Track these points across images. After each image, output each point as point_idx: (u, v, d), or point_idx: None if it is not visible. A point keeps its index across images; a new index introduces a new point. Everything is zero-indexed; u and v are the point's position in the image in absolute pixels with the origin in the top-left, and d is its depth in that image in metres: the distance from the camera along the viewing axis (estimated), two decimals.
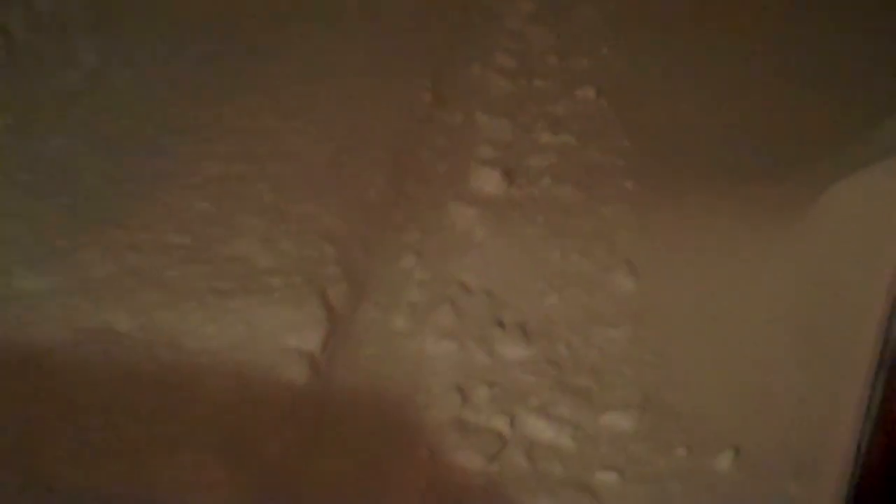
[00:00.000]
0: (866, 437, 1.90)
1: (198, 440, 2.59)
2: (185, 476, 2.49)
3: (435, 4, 5.32)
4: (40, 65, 4.46)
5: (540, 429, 2.80)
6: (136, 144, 3.91)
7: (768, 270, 3.15)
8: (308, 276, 3.19)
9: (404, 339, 3.10)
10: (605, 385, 2.95)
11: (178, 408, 2.70)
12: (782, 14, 5.08)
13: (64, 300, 3.04)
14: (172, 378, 2.80)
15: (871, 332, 1.96)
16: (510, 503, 2.58)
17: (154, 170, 3.74)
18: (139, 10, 4.97)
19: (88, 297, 3.05)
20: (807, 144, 3.72)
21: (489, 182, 3.71)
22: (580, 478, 2.67)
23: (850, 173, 2.79)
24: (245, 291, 3.10)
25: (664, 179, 3.75)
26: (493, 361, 3.00)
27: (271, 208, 3.52)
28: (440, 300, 3.20)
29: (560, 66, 4.76)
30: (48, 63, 4.49)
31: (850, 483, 1.95)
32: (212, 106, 4.16)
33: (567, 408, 2.87)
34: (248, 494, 2.50)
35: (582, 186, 3.73)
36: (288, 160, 3.83)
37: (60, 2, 4.86)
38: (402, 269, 3.40)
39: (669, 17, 5.20)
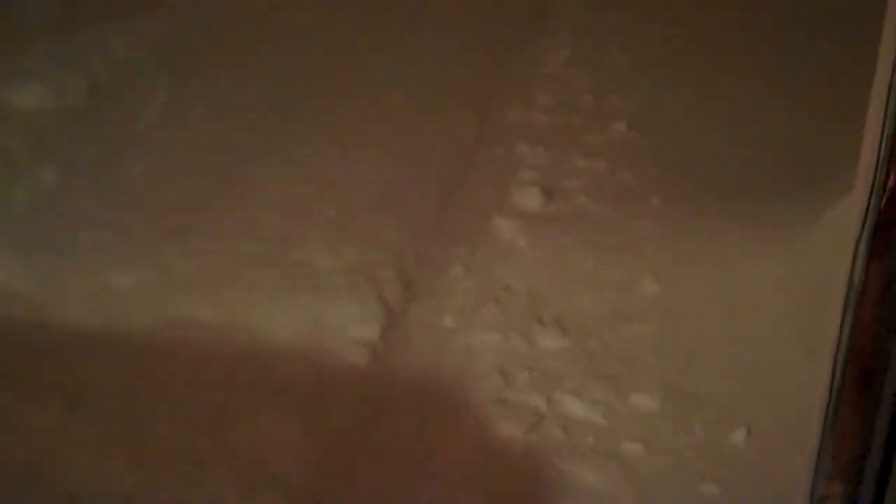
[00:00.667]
0: None
1: (273, 407, 2.96)
2: (264, 435, 2.86)
3: (481, 53, 5.77)
4: (121, 104, 4.92)
5: (574, 407, 3.14)
6: (208, 170, 4.34)
7: (777, 277, 3.52)
8: (367, 277, 3.58)
9: (452, 334, 3.46)
10: (632, 372, 3.29)
11: (256, 382, 3.08)
12: (794, 50, 5.50)
13: (150, 294, 3.46)
14: (249, 358, 3.19)
15: None
16: (547, 465, 2.93)
17: (225, 191, 4.16)
18: (209, 52, 5.45)
19: (171, 292, 3.47)
20: (815, 168, 4.09)
21: (529, 199, 4.11)
22: (609, 447, 3.01)
23: (847, 193, 3.17)
24: (311, 289, 3.50)
25: (687, 199, 4.13)
26: (532, 350, 3.36)
27: (333, 222, 3.93)
28: (486, 299, 3.57)
29: (594, 104, 5.16)
30: (127, 102, 4.95)
31: None
32: (278, 137, 4.61)
33: (598, 390, 3.21)
34: (316, 454, 2.87)
35: (613, 204, 4.11)
36: (347, 184, 4.24)
37: (137, 48, 5.35)
38: (451, 276, 3.77)
39: (693, 61, 5.62)
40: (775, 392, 3.18)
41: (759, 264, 3.64)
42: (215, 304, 3.41)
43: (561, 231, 3.93)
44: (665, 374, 3.28)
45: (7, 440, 2.79)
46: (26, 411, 2.89)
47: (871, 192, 1.94)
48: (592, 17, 6.52)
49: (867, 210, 1.96)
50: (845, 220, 3.13)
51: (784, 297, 3.44)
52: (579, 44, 6.02)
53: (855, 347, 2.08)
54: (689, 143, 4.67)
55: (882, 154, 1.90)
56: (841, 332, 2.10)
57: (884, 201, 1.95)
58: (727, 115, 4.94)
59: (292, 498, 2.72)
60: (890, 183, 1.94)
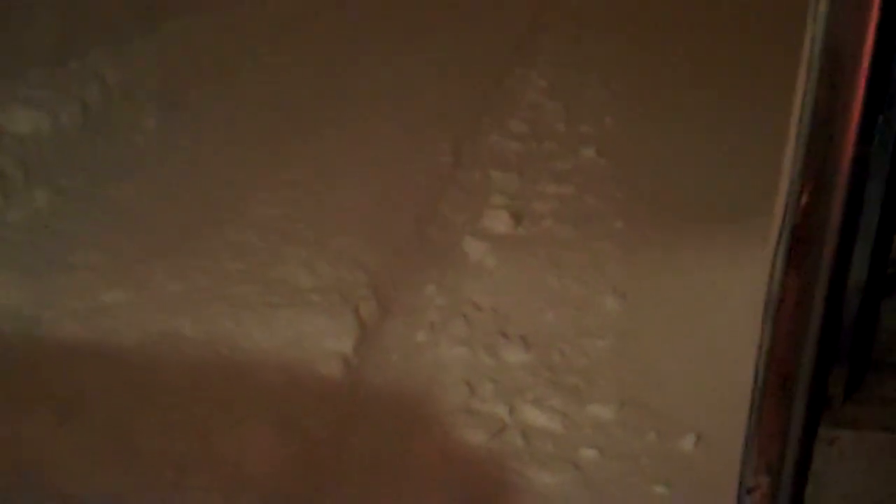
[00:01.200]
0: None
1: (253, 416, 3.17)
2: (244, 442, 3.07)
3: (462, 82, 6.03)
4: (112, 129, 5.15)
5: (535, 416, 3.34)
6: (194, 193, 4.57)
7: (731, 292, 3.73)
8: (343, 294, 3.80)
9: (424, 349, 3.67)
10: (591, 384, 3.50)
11: (237, 392, 3.29)
12: (764, 80, 5.74)
13: (138, 310, 3.67)
14: (232, 370, 3.40)
15: None
16: (509, 470, 3.14)
17: (212, 215, 4.38)
18: (199, 80, 5.69)
19: (159, 308, 3.67)
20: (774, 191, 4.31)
21: (499, 222, 4.33)
22: (567, 454, 3.21)
23: None
24: (291, 305, 3.71)
25: (649, 222, 4.36)
26: (497, 364, 3.57)
27: (312, 243, 4.15)
28: (455, 316, 3.79)
29: (567, 131, 5.40)
30: (118, 128, 5.17)
31: None
32: (262, 162, 4.85)
33: (558, 400, 3.42)
34: (292, 459, 3.07)
35: (578, 226, 4.34)
36: (327, 208, 4.47)
37: (129, 74, 5.57)
38: (425, 295, 3.98)
39: (665, 91, 5.87)
40: (726, 400, 3.39)
41: (714, 280, 3.86)
42: (200, 320, 3.62)
43: (528, 252, 4.14)
44: (622, 386, 3.49)
45: (1, 447, 2.99)
46: (20, 420, 3.08)
47: (786, 209, 2.17)
48: (571, 49, 6.80)
49: (783, 226, 2.18)
50: None
51: (737, 311, 3.65)
52: (557, 74, 6.28)
53: (774, 354, 2.31)
54: (655, 168, 4.91)
55: (796, 175, 2.12)
56: (762, 339, 2.32)
57: (798, 218, 2.17)
58: (694, 142, 5.18)
59: (269, 500, 2.93)
60: (803, 201, 2.16)
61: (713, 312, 3.73)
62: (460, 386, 3.44)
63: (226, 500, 2.90)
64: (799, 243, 2.17)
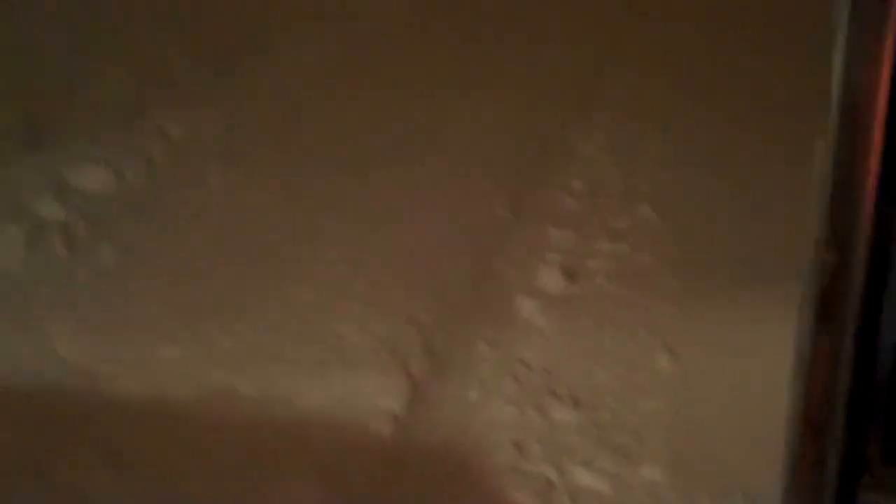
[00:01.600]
0: None
1: (302, 472, 3.21)
2: (290, 495, 3.11)
3: (520, 135, 6.08)
4: (176, 185, 5.26)
5: (583, 477, 3.34)
6: (252, 248, 4.63)
7: (787, 354, 3.69)
8: (395, 351, 3.83)
9: (474, 407, 3.69)
10: (641, 444, 3.49)
11: (286, 448, 3.34)
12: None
13: (193, 366, 3.73)
14: (282, 427, 3.45)
15: None
16: None
17: (271, 269, 4.45)
18: (261, 140, 5.80)
19: (213, 364, 3.74)
20: None
21: (551, 280, 4.34)
22: None
23: None
24: (342, 362, 3.76)
25: (705, 281, 4.34)
26: (546, 423, 3.57)
27: (366, 298, 4.19)
28: (505, 374, 3.80)
29: (624, 187, 5.40)
30: (182, 183, 5.29)
31: None
32: (318, 216, 4.91)
33: (607, 462, 3.41)
34: None
35: (631, 285, 4.33)
36: (380, 262, 4.51)
37: (194, 134, 5.71)
38: (476, 353, 4.00)
39: (729, 147, 5.85)
40: (778, 461, 3.35)
41: (770, 340, 3.82)
42: (252, 377, 3.67)
43: (580, 310, 4.15)
44: (673, 447, 3.47)
45: (55, 497, 3.06)
46: (75, 472, 3.16)
47: (812, 268, 2.17)
48: (632, 103, 6.80)
49: (810, 284, 2.18)
50: None
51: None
52: (616, 129, 6.29)
53: (807, 415, 2.29)
54: (713, 226, 4.88)
55: (822, 231, 2.13)
56: (793, 400, 2.32)
57: (825, 277, 2.17)
58: (757, 200, 5.14)
59: None
60: (830, 260, 2.16)
61: (767, 372, 3.69)
62: (508, 445, 3.45)
63: None
64: (827, 302, 2.16)
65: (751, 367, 3.75)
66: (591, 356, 3.88)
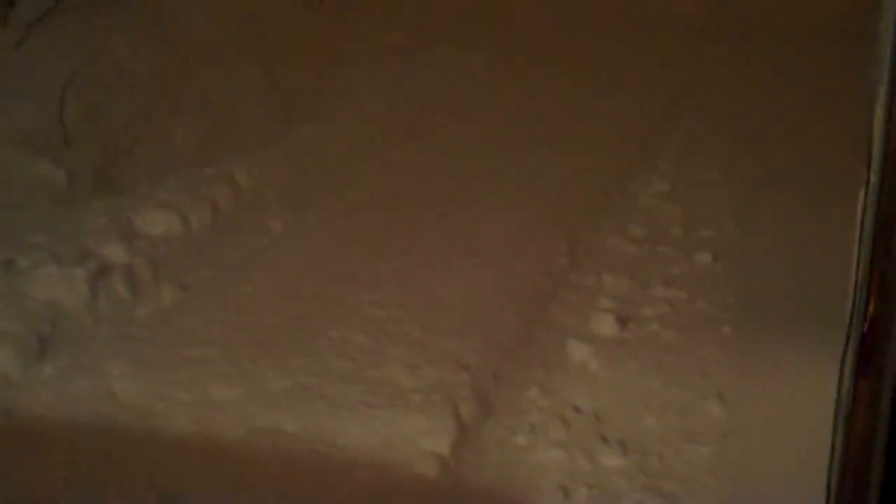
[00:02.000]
0: None
1: None
2: None
3: (583, 182, 6.10)
4: (239, 230, 5.36)
5: None
6: (310, 292, 4.70)
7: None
8: (444, 394, 3.84)
9: (522, 451, 3.68)
10: (689, 491, 3.44)
11: (332, 488, 3.36)
12: None
13: (245, 407, 3.78)
14: (328, 467, 3.47)
15: None
16: None
17: (324, 312, 4.50)
18: (324, 187, 5.91)
19: (264, 404, 3.78)
20: None
21: (604, 325, 4.33)
22: None
23: None
24: (390, 404, 3.78)
25: (760, 329, 4.30)
26: (594, 468, 3.54)
27: (418, 343, 4.21)
28: (555, 418, 3.79)
29: (683, 236, 5.38)
30: (245, 229, 5.39)
31: None
32: (377, 261, 4.98)
33: None
34: None
35: (685, 331, 4.30)
36: (435, 306, 4.54)
37: (259, 180, 5.82)
38: (526, 397, 4.00)
39: (790, 196, 5.81)
40: None
41: (821, 388, 3.75)
42: (302, 418, 3.71)
43: (632, 356, 4.13)
44: (721, 494, 3.43)
45: None
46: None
47: (852, 316, 2.15)
48: (693, 150, 6.80)
49: (849, 332, 2.16)
50: None
51: None
52: (678, 176, 6.29)
53: (848, 463, 2.26)
54: (770, 274, 4.85)
55: (860, 281, 2.11)
56: (833, 445, 2.28)
57: (866, 326, 2.15)
58: (814, 250, 5.07)
59: None
60: (870, 309, 2.14)
61: (818, 421, 3.62)
62: (555, 490, 3.43)
63: None
64: (867, 349, 2.15)
65: (802, 417, 3.69)
66: (641, 401, 3.85)
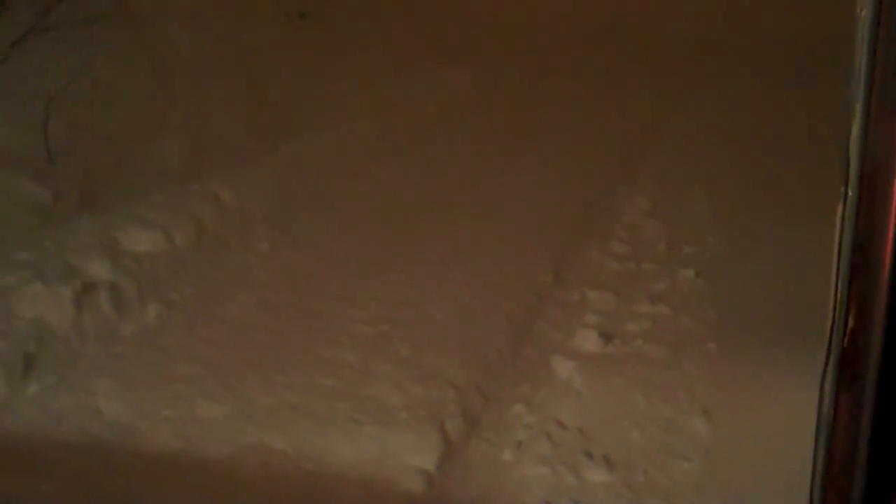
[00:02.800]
0: None
1: None
2: None
3: (564, 200, 6.13)
4: (224, 247, 5.36)
5: None
6: (296, 309, 4.71)
7: None
8: (430, 411, 3.85)
9: (508, 467, 3.69)
10: None
11: None
12: None
13: (230, 424, 3.78)
14: (315, 484, 3.48)
15: None
16: None
17: (310, 329, 4.52)
18: (310, 206, 5.91)
19: (250, 422, 3.79)
20: None
21: (588, 341, 4.35)
22: None
23: None
24: (377, 422, 3.79)
25: (743, 345, 4.32)
26: (579, 483, 3.55)
27: (405, 360, 4.23)
28: (540, 434, 3.80)
29: (667, 252, 5.41)
30: (230, 247, 5.39)
31: None
32: (363, 278, 4.99)
33: None
34: None
35: (669, 347, 4.32)
36: (421, 323, 4.56)
37: (244, 198, 5.81)
38: (512, 413, 4.01)
39: (773, 213, 5.84)
40: None
41: (806, 404, 3.78)
42: (288, 435, 3.71)
43: (616, 371, 4.14)
44: None
45: None
46: None
47: (832, 332, 2.18)
48: (675, 168, 6.84)
49: (830, 349, 2.19)
50: None
51: None
52: (660, 194, 6.32)
53: (830, 478, 2.28)
54: (754, 290, 4.87)
55: (840, 297, 2.14)
56: (815, 459, 2.31)
57: (846, 340, 2.18)
58: (796, 266, 5.10)
59: None
60: (850, 325, 2.17)
61: (801, 435, 3.65)
62: None
63: None
64: (848, 366, 2.17)
65: (784, 431, 3.71)
66: (625, 417, 3.87)
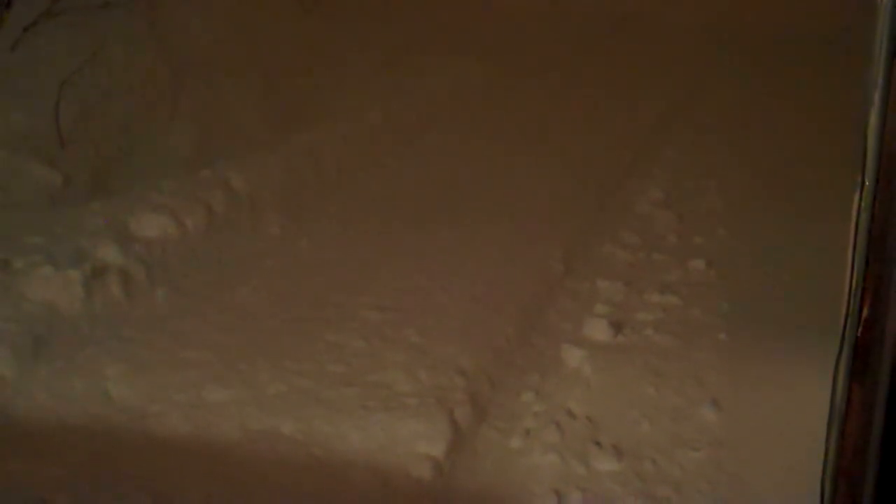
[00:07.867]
0: None
1: None
2: None
3: (577, 191, 6.12)
4: (234, 233, 5.36)
5: None
6: (306, 297, 4.71)
7: None
8: (440, 399, 3.85)
9: (517, 455, 3.68)
10: (683, 496, 3.45)
11: (327, 490, 3.36)
12: None
13: (241, 409, 3.78)
14: (325, 470, 3.48)
15: None
16: None
17: (320, 316, 4.51)
18: (321, 193, 5.91)
19: (261, 408, 3.79)
20: None
21: (598, 330, 4.34)
22: None
23: None
24: (387, 408, 3.78)
25: (754, 335, 4.31)
26: (588, 472, 3.55)
27: (415, 348, 4.22)
28: (549, 423, 3.79)
29: (678, 243, 5.40)
30: (241, 233, 5.39)
31: None
32: (374, 267, 4.99)
33: None
34: None
35: (680, 337, 4.31)
36: (432, 312, 4.55)
37: (254, 184, 5.80)
38: (521, 401, 4.00)
39: (783, 205, 5.83)
40: None
41: (815, 394, 3.77)
42: (298, 421, 3.71)
43: (626, 361, 4.13)
44: (715, 499, 3.43)
45: None
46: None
47: (846, 321, 2.16)
48: (687, 161, 6.82)
49: (844, 338, 2.17)
50: None
51: None
52: (672, 185, 6.30)
53: (841, 465, 2.27)
54: (764, 281, 4.86)
55: (855, 286, 2.13)
56: (827, 448, 2.30)
57: (860, 330, 2.17)
58: (807, 256, 5.09)
59: None
60: (864, 314, 2.16)
61: (812, 425, 3.63)
62: (548, 494, 3.43)
63: None
64: (861, 355, 2.16)
65: (793, 420, 3.70)
66: (635, 406, 3.86)
